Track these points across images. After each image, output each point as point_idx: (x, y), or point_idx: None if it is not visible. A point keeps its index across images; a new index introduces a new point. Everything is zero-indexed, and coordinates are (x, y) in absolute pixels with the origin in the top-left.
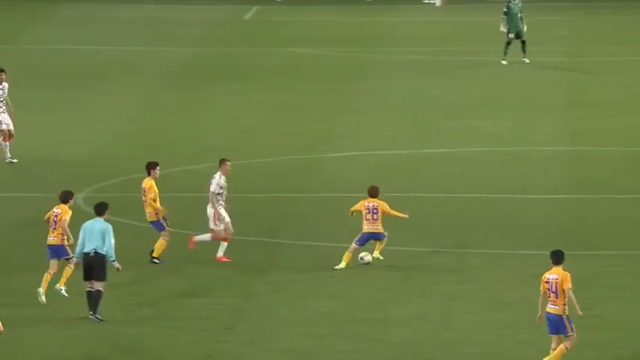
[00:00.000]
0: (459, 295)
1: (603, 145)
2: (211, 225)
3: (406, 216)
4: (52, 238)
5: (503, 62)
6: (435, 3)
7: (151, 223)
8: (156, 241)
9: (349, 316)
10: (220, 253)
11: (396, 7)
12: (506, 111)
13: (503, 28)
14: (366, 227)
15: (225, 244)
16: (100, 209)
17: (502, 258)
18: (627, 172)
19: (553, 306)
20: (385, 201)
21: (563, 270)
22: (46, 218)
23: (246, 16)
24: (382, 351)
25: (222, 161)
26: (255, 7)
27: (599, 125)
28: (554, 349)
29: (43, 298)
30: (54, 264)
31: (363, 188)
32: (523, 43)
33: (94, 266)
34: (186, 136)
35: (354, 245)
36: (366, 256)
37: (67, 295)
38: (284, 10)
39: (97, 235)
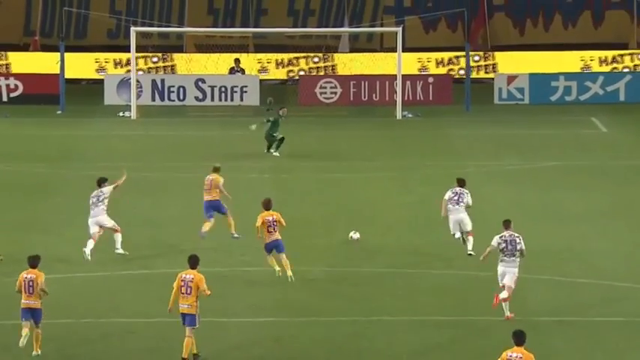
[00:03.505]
0: None
1: (307, 265)
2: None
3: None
4: (32, 302)
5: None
6: (130, 116)
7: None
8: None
9: None
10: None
11: (88, 120)
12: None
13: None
14: (267, 239)
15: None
16: None
17: None
18: (332, 294)
19: None
20: (278, 211)
21: (526, 349)
22: (17, 289)
23: None
24: None
25: (508, 222)
26: None
27: (302, 244)
28: None
29: None
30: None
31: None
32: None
33: None
34: None
35: (266, 254)
36: (355, 234)
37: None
38: None
39: None
